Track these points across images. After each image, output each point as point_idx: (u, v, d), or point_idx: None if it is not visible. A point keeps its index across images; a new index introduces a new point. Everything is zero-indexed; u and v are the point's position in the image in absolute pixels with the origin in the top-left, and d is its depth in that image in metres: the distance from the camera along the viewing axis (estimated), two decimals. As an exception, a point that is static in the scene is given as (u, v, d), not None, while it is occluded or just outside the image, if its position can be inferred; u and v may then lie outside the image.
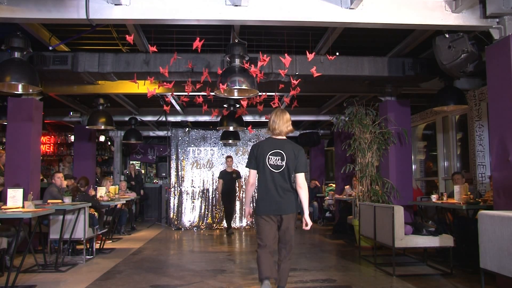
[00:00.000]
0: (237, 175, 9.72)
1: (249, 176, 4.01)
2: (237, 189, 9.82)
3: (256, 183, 4.02)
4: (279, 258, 3.92)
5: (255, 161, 3.95)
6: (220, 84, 5.00)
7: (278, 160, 3.87)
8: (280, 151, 3.88)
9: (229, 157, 9.88)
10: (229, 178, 9.54)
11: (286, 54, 5.35)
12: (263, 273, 3.73)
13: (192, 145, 11.00)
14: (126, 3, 4.35)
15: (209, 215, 10.68)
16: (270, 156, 3.88)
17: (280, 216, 3.82)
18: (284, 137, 4.00)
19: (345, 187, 9.42)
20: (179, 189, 10.72)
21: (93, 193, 7.25)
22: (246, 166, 4.18)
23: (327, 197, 11.08)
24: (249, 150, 4.37)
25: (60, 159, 12.53)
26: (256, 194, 4.13)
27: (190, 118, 10.88)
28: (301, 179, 3.85)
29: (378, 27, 4.80)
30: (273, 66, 5.95)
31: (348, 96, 8.37)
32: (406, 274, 5.13)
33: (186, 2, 4.44)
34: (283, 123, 3.94)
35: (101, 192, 7.17)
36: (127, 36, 4.79)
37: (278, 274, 3.85)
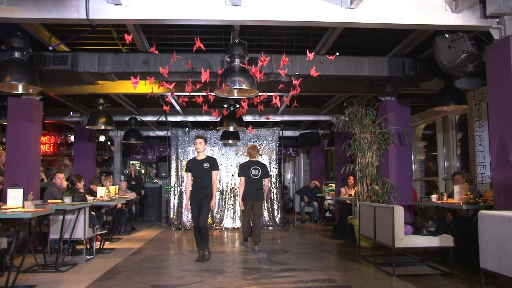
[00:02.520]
0: (210, 164, 6.11)
1: (241, 181, 7.21)
2: (213, 187, 6.08)
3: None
4: (252, 224, 7.24)
5: (244, 172, 7.19)
6: (224, 84, 5.00)
7: (256, 171, 7.22)
8: (257, 167, 7.26)
9: (199, 137, 6.16)
10: (199, 170, 6.10)
11: (284, 55, 5.34)
12: (245, 235, 7.37)
13: (192, 145, 10.93)
14: (126, 3, 4.35)
15: (209, 215, 10.65)
16: (252, 170, 7.20)
17: (253, 202, 7.12)
18: (257, 159, 7.40)
19: (341, 189, 9.42)
20: (179, 189, 10.70)
21: (95, 188, 7.24)
22: (238, 176, 7.36)
23: (328, 197, 11.08)
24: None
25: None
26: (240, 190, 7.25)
27: (190, 118, 10.89)
28: (267, 181, 7.39)
29: (378, 27, 4.80)
30: (273, 66, 5.95)
31: (348, 96, 8.37)
32: (406, 274, 5.13)
33: (186, 2, 4.44)
34: (256, 152, 7.41)
35: (101, 192, 7.17)
36: (125, 35, 4.79)
37: (253, 235, 7.06)
